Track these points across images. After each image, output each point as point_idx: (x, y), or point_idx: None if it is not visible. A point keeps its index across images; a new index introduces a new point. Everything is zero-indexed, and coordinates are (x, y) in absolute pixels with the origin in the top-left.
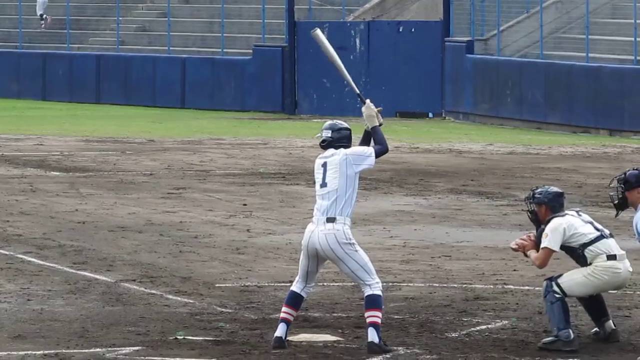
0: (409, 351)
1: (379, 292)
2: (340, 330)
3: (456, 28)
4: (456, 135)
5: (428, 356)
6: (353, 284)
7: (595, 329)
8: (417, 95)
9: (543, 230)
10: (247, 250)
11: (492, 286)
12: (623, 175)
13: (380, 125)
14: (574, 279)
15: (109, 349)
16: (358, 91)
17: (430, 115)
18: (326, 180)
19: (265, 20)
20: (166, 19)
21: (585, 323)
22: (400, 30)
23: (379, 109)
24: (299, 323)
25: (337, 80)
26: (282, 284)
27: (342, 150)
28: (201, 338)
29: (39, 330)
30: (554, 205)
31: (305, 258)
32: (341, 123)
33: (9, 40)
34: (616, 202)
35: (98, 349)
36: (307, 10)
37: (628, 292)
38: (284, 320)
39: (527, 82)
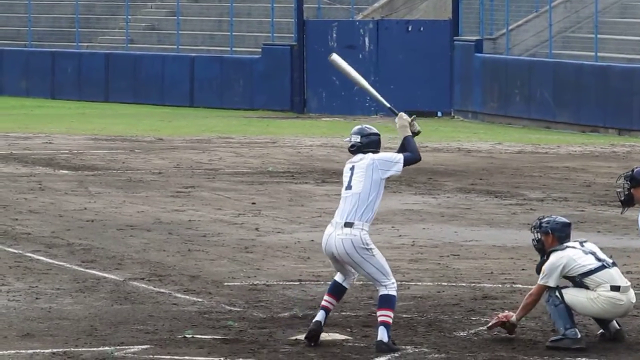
0: (417, 350)
1: (394, 293)
2: (348, 329)
3: (465, 27)
4: (465, 134)
5: (436, 355)
6: (361, 282)
7: (601, 330)
8: (425, 94)
9: (544, 262)
10: (256, 248)
11: (500, 285)
12: (630, 172)
13: (417, 133)
14: (577, 297)
15: (118, 347)
16: (389, 105)
17: (439, 114)
18: (351, 183)
19: (274, 19)
20: (175, 17)
21: (593, 322)
22: (409, 29)
23: (412, 117)
24: (308, 322)
25: (346, 79)
26: (291, 283)
27: (370, 154)
28: (210, 337)
29: (48, 329)
30: (560, 235)
31: (328, 259)
32: (370, 128)
33: (18, 38)
34: (622, 199)
35: (106, 348)
36: (316, 9)
37: (635, 291)
38: (324, 307)
39: (536, 81)
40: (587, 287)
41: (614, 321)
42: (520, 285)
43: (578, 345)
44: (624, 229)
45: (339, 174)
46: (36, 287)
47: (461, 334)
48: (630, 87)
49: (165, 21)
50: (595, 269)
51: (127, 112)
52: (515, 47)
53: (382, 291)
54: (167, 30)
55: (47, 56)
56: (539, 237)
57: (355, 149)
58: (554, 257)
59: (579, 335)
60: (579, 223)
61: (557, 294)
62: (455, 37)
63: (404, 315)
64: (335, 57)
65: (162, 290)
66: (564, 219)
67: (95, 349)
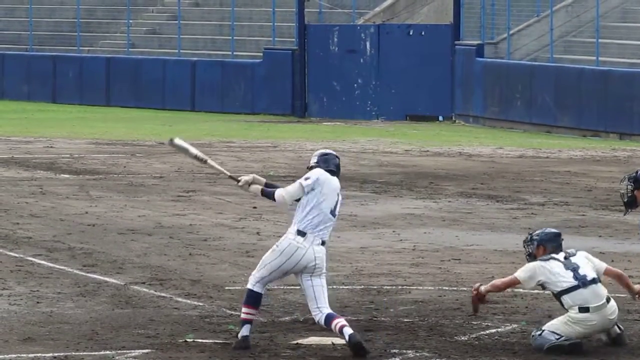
0: (418, 354)
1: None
2: None
3: (466, 31)
4: (466, 138)
5: (437, 359)
6: (362, 287)
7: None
8: (427, 99)
9: None
10: (257, 253)
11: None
12: (634, 174)
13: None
14: (554, 324)
15: (119, 351)
16: (229, 174)
17: (440, 118)
18: (336, 212)
19: (276, 23)
20: (176, 21)
21: None
22: (411, 33)
23: (247, 178)
24: (309, 326)
25: (347, 83)
26: (292, 287)
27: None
28: (211, 341)
29: (49, 333)
30: (552, 245)
31: (278, 272)
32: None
33: (19, 42)
34: (625, 200)
35: (107, 352)
36: (318, 13)
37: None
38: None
39: (537, 85)
40: (563, 306)
41: (615, 326)
42: (521, 290)
43: (576, 345)
44: (625, 234)
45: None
46: (37, 291)
47: (462, 338)
48: (631, 91)
49: (167, 25)
50: (569, 288)
51: (128, 116)
52: (516, 52)
53: (328, 310)
54: (168, 35)
55: (49, 60)
56: (531, 250)
57: (335, 173)
58: (536, 264)
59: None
60: (580, 227)
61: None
62: (456, 42)
63: (405, 320)
64: (177, 140)
65: (163, 294)
66: (553, 230)
67: (96, 353)
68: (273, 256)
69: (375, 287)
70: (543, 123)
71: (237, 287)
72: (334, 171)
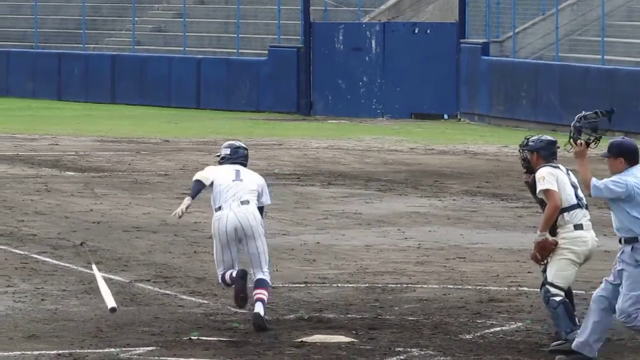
0: (422, 352)
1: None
2: (354, 332)
3: (472, 30)
4: (471, 136)
5: (442, 358)
6: (367, 285)
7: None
8: (432, 97)
9: (534, 178)
10: None
11: (506, 288)
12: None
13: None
14: (554, 270)
15: (123, 349)
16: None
17: (446, 116)
18: (240, 178)
19: (281, 21)
20: (182, 19)
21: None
22: (416, 31)
23: (177, 210)
24: (313, 324)
25: (353, 81)
26: (296, 285)
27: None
28: (215, 338)
29: (53, 330)
30: (545, 153)
31: (227, 249)
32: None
33: (24, 40)
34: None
35: (112, 349)
36: (323, 11)
37: None
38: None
39: (543, 84)
40: (555, 221)
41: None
42: (526, 288)
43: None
44: None
45: (345, 176)
46: (42, 288)
47: (467, 336)
48: (637, 90)
49: (172, 23)
50: (570, 206)
51: (133, 114)
52: (521, 50)
53: (260, 275)
54: (173, 32)
55: (54, 58)
56: (526, 155)
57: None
58: (547, 169)
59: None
60: None
61: (552, 290)
62: (461, 40)
63: (410, 318)
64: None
65: (167, 292)
66: (549, 138)
67: (100, 350)
68: (214, 244)
69: (380, 285)
70: (548, 122)
71: None
72: (242, 162)
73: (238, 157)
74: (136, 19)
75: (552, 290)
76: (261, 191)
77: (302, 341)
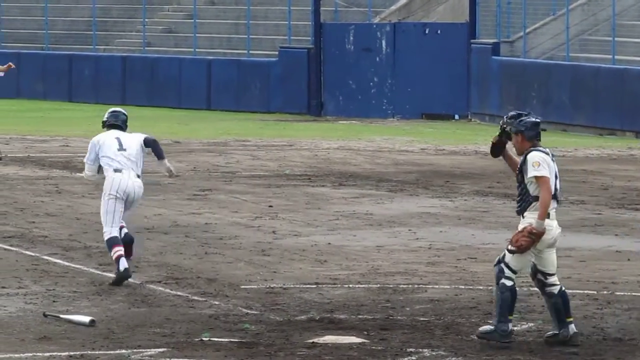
0: (434, 353)
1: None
2: (365, 332)
3: (482, 30)
4: (482, 137)
5: (454, 358)
6: (379, 285)
7: (553, 331)
8: (443, 97)
9: (525, 159)
10: (273, 251)
11: (517, 288)
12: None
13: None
14: (515, 257)
15: (134, 350)
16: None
17: (456, 117)
18: (124, 147)
19: (291, 22)
20: (192, 20)
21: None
22: (427, 32)
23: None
24: (325, 325)
25: (363, 82)
26: (308, 286)
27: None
28: (226, 340)
29: (65, 332)
30: (531, 134)
31: (120, 203)
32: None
33: (35, 41)
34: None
35: (123, 351)
36: (333, 11)
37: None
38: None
39: (553, 84)
40: (527, 207)
41: (572, 325)
42: (537, 289)
43: (506, 340)
44: (633, 231)
45: (356, 177)
46: (53, 290)
47: None
48: None
49: (182, 24)
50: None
51: (144, 115)
52: (532, 50)
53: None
54: (184, 33)
55: (64, 59)
56: (507, 128)
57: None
58: (539, 155)
59: (509, 330)
60: (596, 226)
61: (506, 272)
62: (472, 40)
63: (421, 318)
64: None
65: (179, 293)
66: (534, 119)
67: (112, 352)
68: (105, 200)
69: (391, 285)
70: (559, 122)
71: (252, 286)
72: (120, 126)
73: (118, 120)
74: (146, 20)
75: (507, 272)
76: (141, 149)
77: (313, 342)
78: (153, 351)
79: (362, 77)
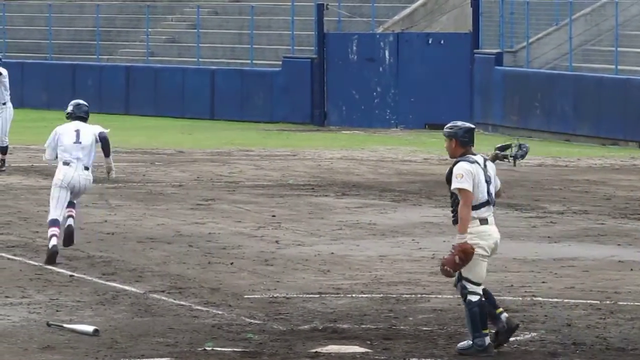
0: None
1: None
2: (369, 342)
3: (485, 40)
4: (485, 147)
5: None
6: (382, 295)
7: (493, 331)
8: (446, 107)
9: (451, 170)
10: (276, 261)
11: (520, 298)
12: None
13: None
14: (467, 266)
15: (138, 359)
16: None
17: None
18: (80, 140)
19: (295, 32)
20: (195, 30)
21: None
22: (430, 42)
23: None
24: (328, 334)
25: (366, 92)
26: (311, 296)
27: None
28: (230, 349)
29: (68, 341)
30: (463, 139)
31: (65, 191)
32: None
33: (38, 51)
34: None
35: None
36: (337, 21)
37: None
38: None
39: (556, 94)
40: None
41: (502, 315)
42: (540, 298)
43: (485, 354)
44: (637, 240)
45: (359, 186)
46: (57, 299)
47: None
48: None
49: (186, 34)
50: (482, 203)
51: (147, 125)
52: (535, 60)
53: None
54: (187, 43)
55: (68, 69)
56: (445, 135)
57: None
58: (465, 166)
59: (486, 344)
60: (599, 236)
61: (469, 286)
62: (475, 50)
63: (424, 328)
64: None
65: (182, 302)
66: (468, 125)
67: None
68: (52, 189)
69: (394, 295)
70: (562, 132)
71: (256, 296)
72: (83, 116)
73: (80, 112)
74: (150, 30)
75: (470, 286)
76: (94, 141)
77: (316, 352)
78: None
79: (366, 87)
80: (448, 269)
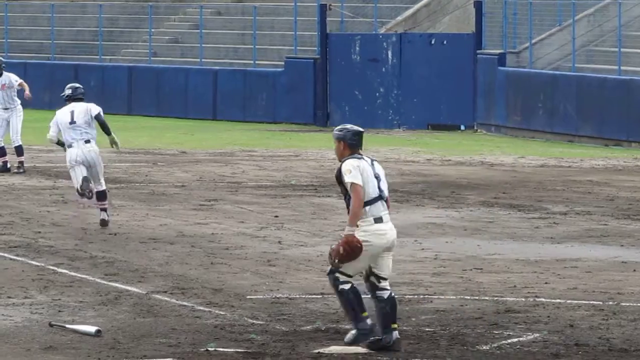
0: None
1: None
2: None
3: (488, 40)
4: (488, 147)
5: None
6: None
7: (377, 337)
8: (449, 108)
9: (339, 169)
10: (279, 262)
11: (523, 299)
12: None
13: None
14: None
15: None
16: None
17: (462, 127)
18: (75, 120)
19: (297, 32)
20: (198, 30)
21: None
22: (432, 42)
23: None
24: (330, 335)
25: (369, 92)
26: (313, 296)
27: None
28: (232, 350)
29: (70, 342)
30: (351, 142)
31: (78, 168)
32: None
33: (41, 51)
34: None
35: None
36: (340, 22)
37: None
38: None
39: (559, 94)
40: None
41: (396, 332)
42: (543, 299)
43: (372, 337)
44: (639, 241)
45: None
46: (59, 300)
47: (484, 347)
48: None
49: (189, 34)
50: (373, 199)
51: (150, 125)
52: (538, 61)
53: (100, 188)
54: (190, 44)
55: (70, 69)
56: (335, 138)
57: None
58: (353, 162)
59: (369, 325)
60: (602, 237)
61: (338, 276)
62: (478, 51)
63: (427, 329)
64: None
65: (184, 303)
66: (357, 128)
67: None
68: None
69: (397, 296)
70: (565, 132)
71: (258, 296)
72: (79, 97)
73: (77, 93)
74: (153, 30)
75: (342, 278)
76: (89, 118)
77: (319, 352)
78: None
79: (368, 88)
80: (334, 258)
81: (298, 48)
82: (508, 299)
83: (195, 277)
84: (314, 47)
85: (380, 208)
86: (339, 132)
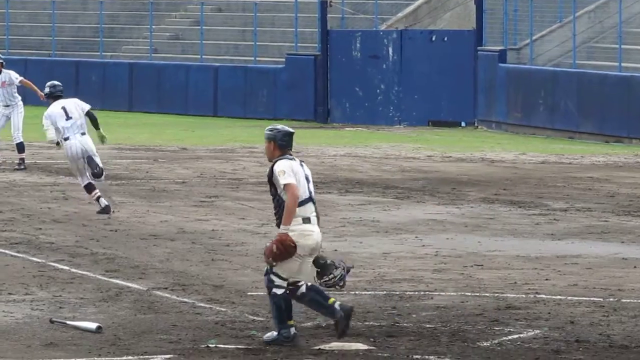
0: None
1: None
2: (372, 339)
3: (489, 37)
4: (488, 144)
5: None
6: (385, 292)
7: (331, 320)
8: (449, 104)
9: (272, 170)
10: None
11: (524, 295)
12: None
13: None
14: (280, 266)
15: (141, 357)
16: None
17: (463, 124)
18: (68, 114)
19: (298, 29)
20: (199, 27)
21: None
22: (433, 39)
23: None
24: (331, 331)
25: (370, 89)
26: None
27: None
28: (233, 346)
29: (71, 338)
30: (281, 143)
31: (80, 161)
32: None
33: (42, 48)
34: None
35: (130, 357)
36: (340, 18)
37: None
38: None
39: (560, 91)
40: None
41: (336, 304)
42: (544, 296)
43: (291, 344)
44: (639, 238)
45: (363, 184)
46: (60, 296)
47: (484, 344)
48: None
49: (189, 31)
50: (304, 200)
51: (150, 122)
52: (539, 57)
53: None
54: (191, 40)
55: (71, 66)
56: (265, 138)
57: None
58: (286, 162)
59: (291, 334)
60: (602, 233)
61: (275, 279)
62: (479, 47)
63: (427, 325)
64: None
65: (185, 299)
66: (288, 129)
67: (118, 358)
68: (69, 163)
69: (397, 292)
70: (566, 129)
71: (259, 293)
72: (61, 94)
73: (57, 91)
74: (153, 27)
75: (277, 280)
76: (82, 112)
77: (320, 349)
78: (159, 358)
79: (369, 84)
80: (268, 257)
81: (299, 44)
82: (509, 295)
83: (196, 273)
84: (315, 43)
85: (309, 209)
86: (270, 132)
